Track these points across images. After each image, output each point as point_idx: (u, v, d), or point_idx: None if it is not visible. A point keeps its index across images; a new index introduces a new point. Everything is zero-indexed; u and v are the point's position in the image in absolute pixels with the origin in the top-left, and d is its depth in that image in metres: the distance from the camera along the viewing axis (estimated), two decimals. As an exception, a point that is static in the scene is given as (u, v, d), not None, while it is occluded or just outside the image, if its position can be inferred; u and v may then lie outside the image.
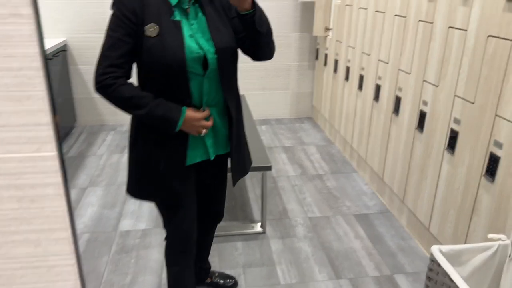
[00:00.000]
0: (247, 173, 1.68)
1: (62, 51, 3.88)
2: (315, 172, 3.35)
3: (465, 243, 2.02)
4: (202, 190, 1.72)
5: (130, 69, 1.36)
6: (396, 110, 2.66)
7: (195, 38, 1.37)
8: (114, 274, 2.21)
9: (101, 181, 3.18)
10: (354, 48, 3.35)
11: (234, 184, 1.60)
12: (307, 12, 4.22)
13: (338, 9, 3.69)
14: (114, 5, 1.31)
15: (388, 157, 2.82)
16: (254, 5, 1.31)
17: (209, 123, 1.44)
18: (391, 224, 2.67)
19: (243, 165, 1.64)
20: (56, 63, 3.74)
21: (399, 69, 2.63)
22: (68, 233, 0.76)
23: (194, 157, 1.51)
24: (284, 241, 2.49)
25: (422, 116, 2.36)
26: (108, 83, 1.30)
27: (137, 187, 1.53)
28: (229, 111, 1.52)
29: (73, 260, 0.78)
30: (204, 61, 1.37)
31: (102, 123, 4.33)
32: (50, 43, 3.69)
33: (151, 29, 1.29)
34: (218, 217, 1.84)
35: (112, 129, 4.21)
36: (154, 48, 1.30)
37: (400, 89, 2.62)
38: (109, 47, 1.30)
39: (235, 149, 1.57)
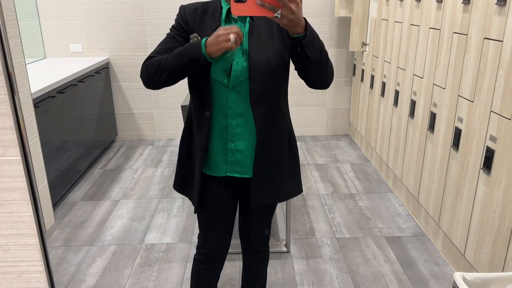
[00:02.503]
0: (277, 202, 1.52)
1: (104, 68, 4.05)
2: (347, 191, 3.23)
3: (502, 271, 1.84)
4: (243, 212, 1.63)
5: None
6: (431, 127, 2.52)
7: (235, 49, 1.36)
8: (134, 287, 2.22)
9: (134, 194, 3.24)
10: (389, 63, 3.24)
11: (251, 205, 1.47)
12: (343, 27, 4.15)
13: (374, 23, 3.60)
14: (177, 15, 1.46)
15: (423, 176, 2.66)
16: (306, 28, 1.22)
17: (235, 28, 1.26)
18: (425, 248, 2.50)
19: (270, 194, 1.49)
20: (98, 79, 3.91)
21: (434, 84, 2.50)
22: (36, 239, 0.74)
23: (216, 170, 1.48)
24: (308, 262, 2.40)
25: (457, 133, 2.21)
26: (147, 60, 1.40)
27: (176, 180, 1.61)
28: (254, 130, 1.42)
29: (42, 267, 0.77)
30: (230, 72, 1.35)
31: (141, 137, 4.45)
32: (94, 60, 3.87)
33: (194, 39, 1.38)
34: (259, 242, 1.68)
35: (150, 143, 4.31)
36: None
37: (435, 105, 2.48)
38: (163, 41, 1.44)
39: (258, 173, 1.44)
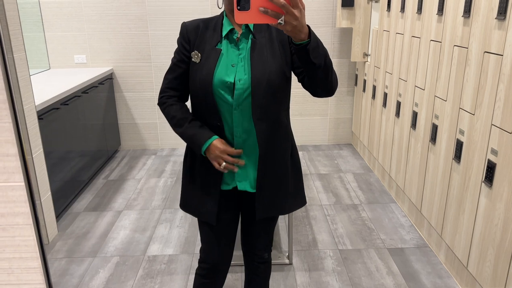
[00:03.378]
0: (282, 214, 1.55)
1: (108, 79, 4.09)
2: (350, 202, 3.23)
3: (505, 286, 1.84)
4: (245, 224, 1.65)
5: (184, 91, 1.51)
6: (433, 138, 2.52)
7: (237, 67, 1.38)
8: (136, 299, 2.22)
9: (136, 205, 3.25)
10: (391, 73, 3.25)
11: (256, 217, 1.51)
12: (345, 38, 4.18)
13: (376, 34, 3.62)
14: (179, 34, 1.48)
15: (425, 188, 2.66)
16: (310, 35, 1.23)
17: (236, 161, 1.41)
18: (428, 260, 2.49)
19: (275, 207, 1.52)
20: (102, 90, 3.95)
21: (435, 96, 2.50)
22: (39, 263, 0.75)
23: (225, 184, 1.52)
24: (310, 274, 2.40)
25: (458, 145, 2.22)
26: (162, 101, 1.50)
27: (181, 198, 1.62)
28: (257, 145, 1.45)
29: (44, 290, 0.78)
30: (233, 90, 1.38)
31: (144, 147, 4.47)
32: (98, 71, 3.91)
33: (196, 56, 1.41)
34: (261, 254, 1.69)
35: (153, 153, 4.33)
36: (193, 73, 1.43)
37: (436, 117, 2.48)
38: (168, 70, 1.49)
39: (261, 188, 1.48)
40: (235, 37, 1.41)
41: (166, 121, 4.40)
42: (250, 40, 1.40)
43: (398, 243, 2.68)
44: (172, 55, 1.56)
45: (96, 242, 2.75)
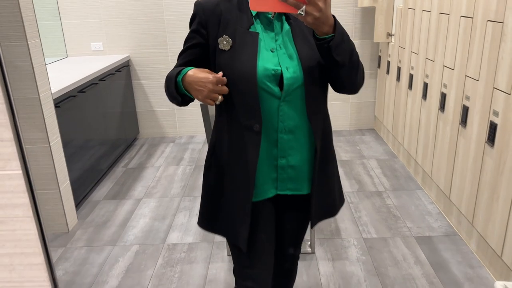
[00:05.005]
0: (334, 215, 1.37)
1: (125, 66, 4.04)
2: (374, 189, 3.12)
3: (545, 277, 1.72)
4: (279, 233, 1.45)
5: None
6: (464, 121, 2.38)
7: (277, 53, 1.18)
8: (156, 288, 2.19)
9: (156, 192, 3.22)
10: (417, 54, 3.09)
11: (312, 226, 1.33)
12: (367, 17, 4.01)
13: (400, 13, 3.45)
14: (192, 16, 1.25)
15: (455, 173, 2.52)
16: (335, 29, 1.06)
17: (224, 88, 1.16)
18: (457, 249, 2.38)
19: (328, 208, 1.34)
20: (119, 77, 3.90)
21: (466, 76, 2.35)
22: (42, 259, 0.69)
23: (263, 192, 1.27)
24: (334, 264, 2.31)
25: (492, 128, 2.08)
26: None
27: (204, 217, 1.36)
28: (314, 143, 1.25)
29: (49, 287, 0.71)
30: (280, 81, 1.16)
31: (163, 135, 4.44)
32: (115, 58, 3.86)
33: (224, 42, 1.18)
34: (289, 262, 1.53)
35: (171, 141, 4.29)
36: (225, 62, 1.18)
37: (467, 98, 2.34)
38: (179, 56, 1.30)
39: (317, 188, 1.29)
40: (269, 15, 1.19)
41: (184, 109, 4.34)
42: (284, 23, 1.20)
43: (426, 231, 2.57)
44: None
45: (116, 230, 2.73)
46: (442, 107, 2.67)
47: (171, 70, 1.22)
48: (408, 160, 3.37)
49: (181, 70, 1.17)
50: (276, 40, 1.18)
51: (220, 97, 1.14)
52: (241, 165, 1.23)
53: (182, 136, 4.43)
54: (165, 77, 1.28)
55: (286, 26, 1.20)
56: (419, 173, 3.14)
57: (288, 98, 1.17)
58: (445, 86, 2.63)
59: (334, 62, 1.10)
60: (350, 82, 1.17)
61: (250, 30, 1.18)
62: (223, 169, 1.28)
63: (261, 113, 1.17)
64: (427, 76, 2.92)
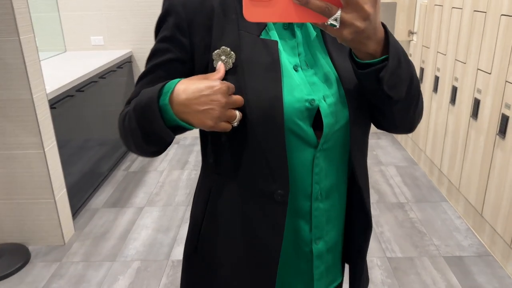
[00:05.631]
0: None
1: (127, 63, 3.80)
2: (395, 200, 2.89)
3: None
4: None
5: None
6: (503, 131, 2.15)
7: (304, 74, 0.75)
8: (160, 314, 1.97)
9: (159, 200, 2.99)
10: (445, 54, 2.85)
11: None
12: (387, 14, 3.76)
13: (425, 9, 3.20)
14: (162, 18, 0.77)
15: (489, 188, 2.29)
16: (388, 47, 0.65)
17: (239, 99, 0.71)
18: (493, 273, 2.15)
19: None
20: (121, 74, 3.66)
21: (506, 81, 2.12)
22: None
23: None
24: (357, 287, 2.09)
25: (541, 141, 1.85)
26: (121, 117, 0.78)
27: None
28: (361, 211, 0.83)
29: None
30: (316, 118, 0.74)
31: (166, 135, 4.20)
32: (116, 54, 3.62)
33: (223, 57, 0.73)
34: None
35: (175, 142, 4.06)
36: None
37: (507, 106, 2.10)
38: (139, 80, 0.80)
39: (354, 275, 0.89)
40: None
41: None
42: (308, 25, 0.78)
43: (455, 250, 2.34)
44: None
45: (116, 243, 2.51)
46: (475, 114, 2.44)
47: (135, 98, 0.74)
48: (431, 168, 3.14)
49: (160, 89, 0.69)
50: (298, 54, 0.76)
51: (238, 114, 0.71)
52: (252, 256, 0.78)
53: (186, 137, 4.19)
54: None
55: (313, 31, 0.77)
56: (444, 183, 2.91)
57: (327, 145, 0.76)
58: (479, 91, 2.40)
59: (384, 98, 0.70)
60: (405, 120, 0.78)
61: (261, 37, 0.74)
62: (219, 261, 0.81)
63: (288, 171, 0.74)
64: (456, 79, 2.68)
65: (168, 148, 0.96)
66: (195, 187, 0.88)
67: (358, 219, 0.85)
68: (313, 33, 0.77)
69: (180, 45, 0.75)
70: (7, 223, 2.43)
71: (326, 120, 0.74)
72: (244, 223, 0.78)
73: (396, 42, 0.67)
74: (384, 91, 0.67)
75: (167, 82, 0.70)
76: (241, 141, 0.74)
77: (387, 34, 0.65)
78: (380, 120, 0.81)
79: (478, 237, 2.44)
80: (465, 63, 2.57)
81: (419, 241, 2.44)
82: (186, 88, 0.68)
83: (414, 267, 2.22)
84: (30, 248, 2.44)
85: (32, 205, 2.40)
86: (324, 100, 0.74)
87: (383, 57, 0.65)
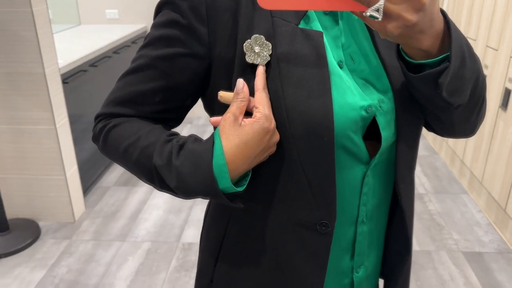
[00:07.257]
0: None
1: (142, 38, 3.71)
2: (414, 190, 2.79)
3: None
4: None
5: (171, 122, 0.69)
6: (535, 124, 2.03)
7: (349, 70, 0.61)
8: (169, 298, 1.93)
9: (171, 180, 2.94)
10: (475, 40, 2.70)
11: None
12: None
13: (455, -9, 3.04)
14: (169, 4, 0.59)
15: (516, 183, 2.19)
16: (449, 43, 0.52)
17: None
18: (515, 272, 2.07)
19: None
20: (135, 50, 3.57)
21: (544, 71, 1.98)
22: None
23: None
24: (371, 279, 2.03)
25: None
26: (99, 118, 0.68)
27: None
28: (401, 234, 0.72)
29: None
30: (370, 128, 0.61)
31: (180, 114, 4.14)
32: (130, 29, 3.53)
33: (257, 49, 0.57)
34: None
35: (188, 122, 3.99)
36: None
37: (543, 98, 1.98)
38: (133, 75, 0.62)
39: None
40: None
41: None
42: (355, 17, 0.63)
43: (475, 245, 2.26)
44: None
45: (126, 223, 2.47)
46: (504, 104, 2.31)
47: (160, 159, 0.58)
48: (452, 159, 3.02)
49: (208, 162, 0.55)
50: (342, 46, 0.61)
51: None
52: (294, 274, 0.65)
53: (200, 116, 4.12)
54: None
55: (355, 23, 0.62)
56: (466, 175, 2.80)
57: (377, 160, 0.63)
58: (510, 80, 2.26)
59: (443, 104, 0.57)
60: (466, 126, 0.64)
61: (300, 25, 0.58)
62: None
63: (336, 195, 0.60)
64: (486, 66, 2.54)
65: (181, 127, 0.85)
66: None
67: (396, 241, 0.73)
68: (355, 16, 0.60)
69: (195, 35, 0.58)
70: (18, 198, 2.41)
71: (384, 132, 0.59)
72: (278, 258, 0.65)
73: (459, 33, 0.53)
74: (443, 97, 0.54)
75: (206, 164, 0.53)
76: (277, 158, 0.59)
77: (449, 25, 0.51)
78: (434, 126, 0.67)
79: (500, 233, 2.35)
80: (496, 50, 2.42)
81: (437, 234, 2.35)
82: (243, 151, 0.54)
83: (432, 261, 2.15)
84: (41, 224, 2.43)
85: (43, 181, 2.37)
86: (380, 107, 0.59)
87: (443, 56, 0.52)
